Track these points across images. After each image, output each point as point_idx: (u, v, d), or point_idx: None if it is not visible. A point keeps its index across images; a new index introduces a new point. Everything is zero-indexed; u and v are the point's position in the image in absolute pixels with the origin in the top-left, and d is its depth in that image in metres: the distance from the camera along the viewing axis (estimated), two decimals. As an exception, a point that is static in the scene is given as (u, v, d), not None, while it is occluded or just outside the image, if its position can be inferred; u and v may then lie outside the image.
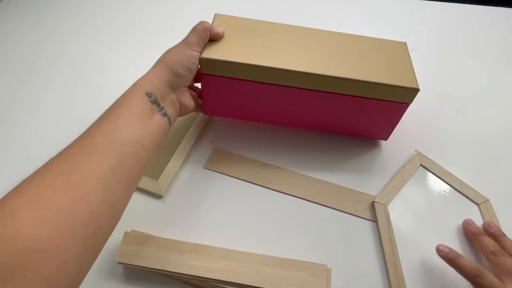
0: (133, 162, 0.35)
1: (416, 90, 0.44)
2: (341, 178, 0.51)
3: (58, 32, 0.71)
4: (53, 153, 0.54)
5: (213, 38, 0.45)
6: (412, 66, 0.47)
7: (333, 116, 0.50)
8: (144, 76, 0.41)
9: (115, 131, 0.35)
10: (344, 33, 0.50)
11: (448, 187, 0.50)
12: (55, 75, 0.64)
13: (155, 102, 0.40)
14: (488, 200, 0.48)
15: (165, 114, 0.41)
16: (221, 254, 0.42)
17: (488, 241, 0.43)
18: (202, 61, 0.44)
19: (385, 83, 0.44)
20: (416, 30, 0.70)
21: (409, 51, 0.66)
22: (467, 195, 0.49)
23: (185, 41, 0.44)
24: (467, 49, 0.67)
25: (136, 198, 0.49)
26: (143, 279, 0.42)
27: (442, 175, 0.51)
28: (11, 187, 0.51)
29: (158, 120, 0.39)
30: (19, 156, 0.54)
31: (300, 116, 0.51)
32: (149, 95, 0.39)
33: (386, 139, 0.53)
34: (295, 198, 0.49)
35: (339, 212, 0.48)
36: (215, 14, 0.49)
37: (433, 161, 0.51)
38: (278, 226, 0.47)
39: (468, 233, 0.45)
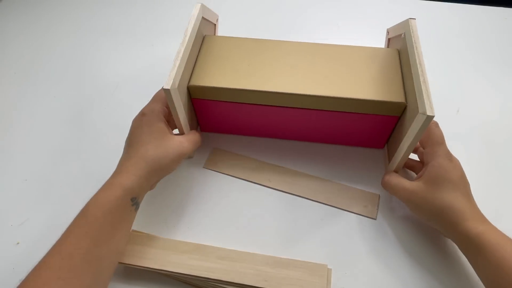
0: (109, 272, 0.37)
1: (403, 104, 0.44)
2: (341, 176, 0.51)
3: (58, 31, 0.71)
4: (52, 152, 0.54)
5: None
6: (401, 76, 0.46)
7: (323, 130, 0.51)
8: (130, 175, 0.38)
9: (95, 248, 0.34)
10: (332, 44, 0.50)
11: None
12: (55, 74, 0.64)
13: (136, 204, 0.39)
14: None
15: (137, 207, 0.40)
16: (221, 254, 0.42)
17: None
18: (191, 88, 0.46)
19: (370, 99, 0.44)
20: (416, 30, 0.70)
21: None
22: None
23: (155, 127, 0.41)
24: (467, 49, 0.67)
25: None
26: (143, 279, 0.42)
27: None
28: (9, 185, 0.51)
29: (132, 216, 0.39)
30: (18, 154, 0.54)
31: (292, 130, 0.52)
32: (133, 200, 0.38)
33: (381, 147, 0.53)
34: (295, 197, 0.49)
35: (339, 211, 0.48)
36: (204, 36, 0.51)
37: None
38: (278, 226, 0.47)
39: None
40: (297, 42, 0.50)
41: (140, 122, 0.41)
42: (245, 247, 0.43)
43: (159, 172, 0.41)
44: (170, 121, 0.45)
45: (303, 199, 0.49)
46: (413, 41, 0.44)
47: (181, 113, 0.43)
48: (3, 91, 0.62)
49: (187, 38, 0.43)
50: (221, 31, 0.58)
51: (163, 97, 0.43)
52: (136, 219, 0.47)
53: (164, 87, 0.39)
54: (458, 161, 0.42)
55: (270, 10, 0.74)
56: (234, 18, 0.70)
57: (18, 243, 0.45)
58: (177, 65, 0.41)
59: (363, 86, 0.45)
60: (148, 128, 0.40)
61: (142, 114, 0.42)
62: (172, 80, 0.39)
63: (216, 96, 0.47)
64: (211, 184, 0.50)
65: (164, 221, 0.47)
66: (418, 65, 0.41)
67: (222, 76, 0.46)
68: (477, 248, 0.37)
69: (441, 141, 0.42)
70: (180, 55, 0.42)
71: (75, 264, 0.33)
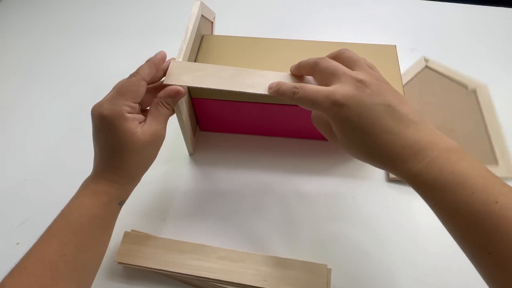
0: (93, 274, 0.36)
1: None
2: (343, 172, 0.51)
3: (58, 31, 0.71)
4: (52, 153, 0.54)
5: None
6: (399, 72, 0.46)
7: None
8: (114, 184, 0.36)
9: (81, 254, 0.34)
10: (330, 42, 0.50)
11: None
12: (55, 74, 0.64)
13: (122, 203, 0.38)
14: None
15: (123, 204, 0.39)
16: (220, 254, 0.42)
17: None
18: (191, 87, 0.45)
19: None
20: (416, 31, 0.70)
21: (410, 51, 0.67)
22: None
23: (121, 132, 0.35)
24: (467, 49, 0.67)
25: (136, 197, 0.49)
26: (143, 279, 0.42)
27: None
28: (9, 185, 0.51)
29: (117, 215, 0.38)
30: (18, 154, 0.54)
31: (291, 128, 0.52)
32: (121, 203, 0.38)
33: None
34: (295, 197, 0.49)
35: (338, 211, 0.48)
36: (203, 35, 0.51)
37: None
38: (278, 226, 0.47)
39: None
40: (295, 40, 0.50)
41: (102, 126, 0.36)
42: (245, 247, 0.43)
43: (143, 172, 0.39)
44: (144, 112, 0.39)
45: (303, 200, 0.49)
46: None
47: (184, 111, 0.43)
48: (3, 91, 0.62)
49: (188, 36, 0.43)
50: (220, 31, 0.57)
51: (132, 90, 0.36)
52: (135, 219, 0.47)
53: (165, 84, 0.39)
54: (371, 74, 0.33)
55: (269, 11, 0.74)
56: (232, 18, 0.70)
57: (18, 243, 0.45)
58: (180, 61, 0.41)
59: None
60: (113, 133, 0.35)
61: (102, 116, 0.35)
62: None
63: (216, 95, 0.47)
64: (211, 184, 0.50)
65: (163, 221, 0.47)
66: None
67: None
68: (420, 192, 0.30)
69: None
70: (182, 52, 0.42)
71: (59, 272, 0.32)
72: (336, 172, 0.51)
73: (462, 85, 0.55)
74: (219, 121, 0.53)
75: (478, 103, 0.53)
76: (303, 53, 0.48)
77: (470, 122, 0.52)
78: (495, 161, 0.49)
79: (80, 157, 0.53)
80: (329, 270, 0.41)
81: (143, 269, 0.41)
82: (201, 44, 0.50)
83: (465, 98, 0.54)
